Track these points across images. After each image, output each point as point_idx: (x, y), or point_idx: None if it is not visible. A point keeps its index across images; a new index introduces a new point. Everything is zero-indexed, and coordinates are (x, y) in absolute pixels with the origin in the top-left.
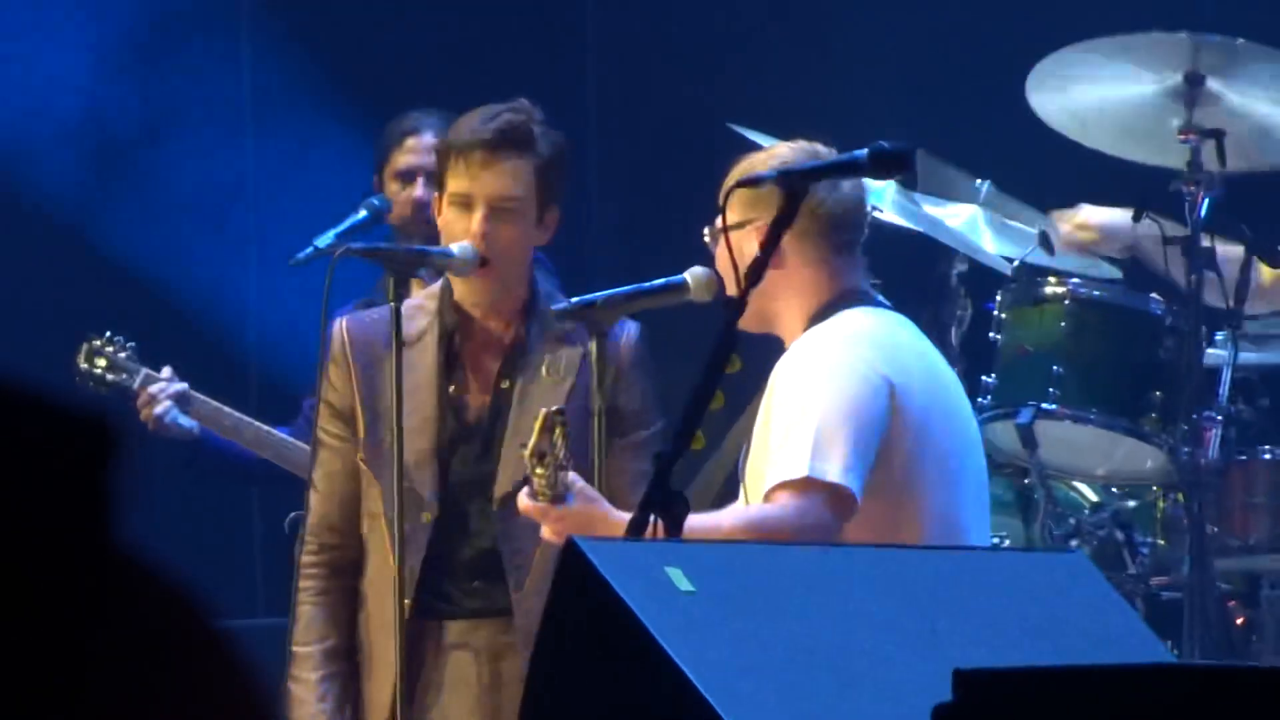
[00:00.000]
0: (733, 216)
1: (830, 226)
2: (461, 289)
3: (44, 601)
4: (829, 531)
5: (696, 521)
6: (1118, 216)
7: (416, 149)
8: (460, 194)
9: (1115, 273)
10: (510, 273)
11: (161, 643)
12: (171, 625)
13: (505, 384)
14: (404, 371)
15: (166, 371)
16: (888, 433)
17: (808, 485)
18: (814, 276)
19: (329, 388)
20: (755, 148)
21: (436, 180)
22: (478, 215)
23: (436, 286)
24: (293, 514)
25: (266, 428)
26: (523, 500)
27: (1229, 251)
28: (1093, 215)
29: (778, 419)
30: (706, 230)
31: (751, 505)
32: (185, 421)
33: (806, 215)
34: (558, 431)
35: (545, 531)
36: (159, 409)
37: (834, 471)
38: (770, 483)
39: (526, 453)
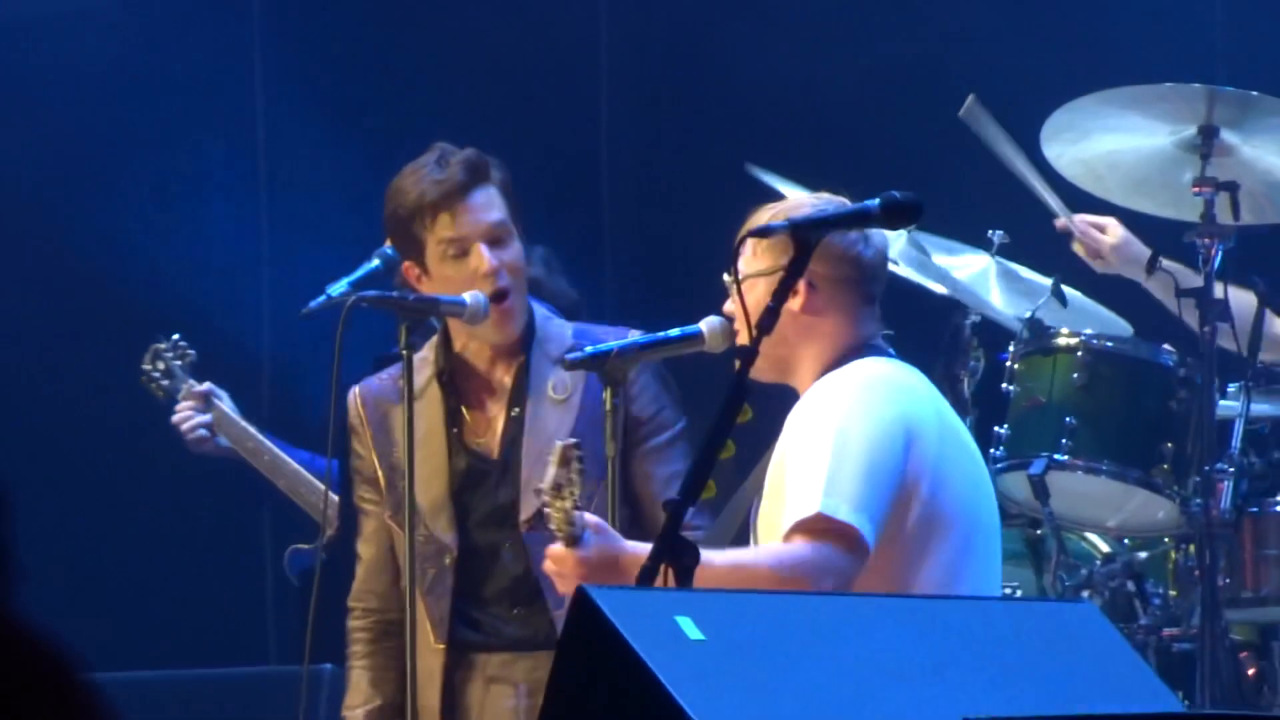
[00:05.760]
0: (757, 265)
1: (865, 277)
2: (483, 331)
3: None
4: (843, 575)
5: (717, 558)
6: (1140, 246)
7: None
8: (450, 240)
9: (1126, 327)
10: (522, 297)
11: (29, 700)
12: (40, 680)
13: (515, 411)
14: (414, 424)
15: (205, 386)
16: (904, 481)
17: (820, 524)
18: (839, 325)
19: (355, 455)
20: (771, 191)
21: (406, 246)
22: (481, 253)
23: (436, 337)
24: (291, 548)
25: (285, 457)
26: (548, 563)
27: (1241, 298)
28: (1120, 230)
29: (793, 461)
30: (726, 275)
31: (769, 546)
32: (222, 441)
33: (848, 264)
34: (574, 465)
35: (561, 584)
36: (186, 427)
37: (845, 510)
38: (786, 523)
39: (545, 485)
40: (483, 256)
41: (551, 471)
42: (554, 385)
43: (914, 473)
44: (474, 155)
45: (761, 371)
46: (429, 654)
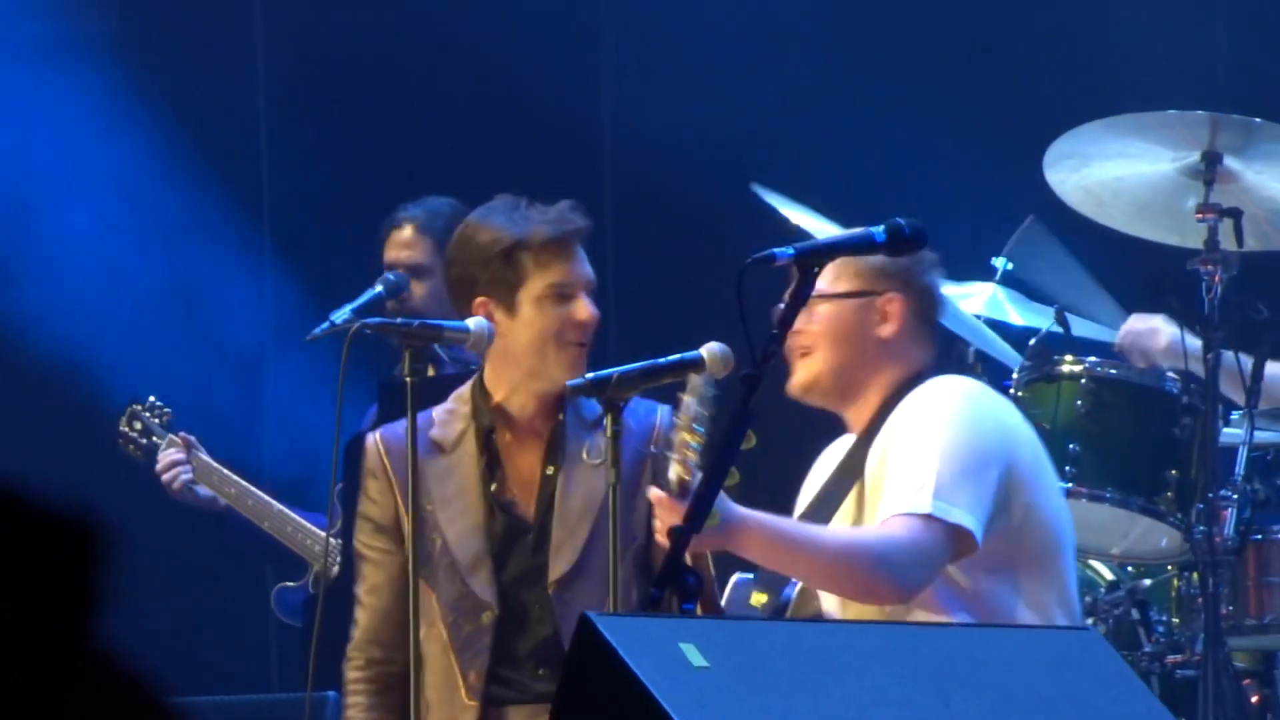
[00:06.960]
0: (839, 288)
1: (931, 305)
2: (550, 370)
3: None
4: (935, 565)
5: (793, 529)
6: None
7: (396, 243)
8: (560, 284)
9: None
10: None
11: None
12: (131, 708)
13: (550, 470)
14: (444, 477)
15: (186, 436)
16: (1007, 483)
17: (928, 520)
18: (914, 351)
19: (368, 502)
20: (773, 212)
21: (494, 281)
22: (583, 302)
23: (466, 390)
24: (278, 586)
25: (268, 499)
26: (653, 490)
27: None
28: (1170, 330)
29: (899, 458)
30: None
31: (862, 527)
32: (202, 491)
33: (919, 293)
34: (708, 403)
35: (659, 523)
36: (168, 475)
37: (956, 513)
38: (887, 511)
39: (682, 418)
40: (585, 305)
41: (690, 403)
42: (588, 449)
43: (1017, 478)
44: (580, 208)
45: (822, 394)
46: (460, 710)
